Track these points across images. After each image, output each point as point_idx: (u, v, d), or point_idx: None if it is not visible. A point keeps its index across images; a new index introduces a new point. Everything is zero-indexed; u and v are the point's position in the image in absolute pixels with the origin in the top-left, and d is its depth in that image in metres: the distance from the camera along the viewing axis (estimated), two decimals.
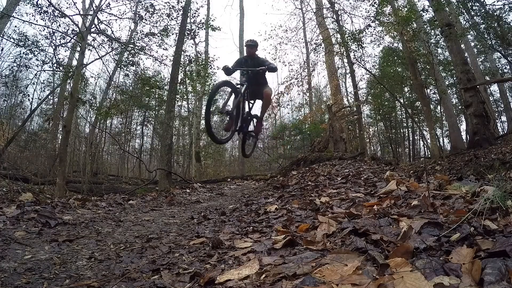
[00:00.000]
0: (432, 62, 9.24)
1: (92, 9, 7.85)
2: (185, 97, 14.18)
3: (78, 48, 7.74)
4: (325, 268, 0.81)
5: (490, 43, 9.78)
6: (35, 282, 0.91)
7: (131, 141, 16.68)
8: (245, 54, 4.25)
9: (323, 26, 12.88)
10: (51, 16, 7.38)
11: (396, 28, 8.80)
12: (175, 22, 8.29)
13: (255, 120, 4.26)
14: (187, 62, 8.96)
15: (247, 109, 3.95)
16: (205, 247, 1.28)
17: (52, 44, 7.85)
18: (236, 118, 3.66)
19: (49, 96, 12.58)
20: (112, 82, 11.59)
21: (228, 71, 3.91)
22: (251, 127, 4.30)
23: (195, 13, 8.83)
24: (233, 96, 3.61)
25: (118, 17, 8.26)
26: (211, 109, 3.34)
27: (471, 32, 10.37)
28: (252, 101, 4.19)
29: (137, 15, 8.60)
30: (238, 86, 3.59)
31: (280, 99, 14.26)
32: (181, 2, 7.82)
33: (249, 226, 1.62)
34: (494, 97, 16.14)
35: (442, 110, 13.70)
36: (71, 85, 7.50)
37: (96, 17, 7.50)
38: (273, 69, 3.91)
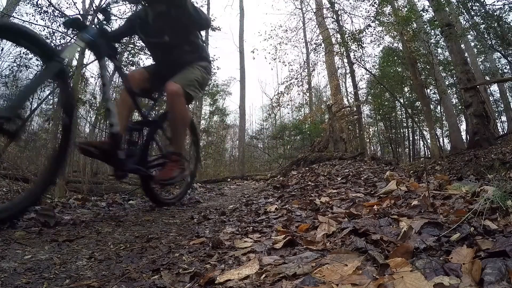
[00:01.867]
0: (432, 62, 9.25)
1: (92, 9, 7.85)
2: None
3: (78, 48, 7.73)
4: (325, 268, 0.82)
5: (490, 43, 9.79)
6: (35, 282, 0.91)
7: None
8: None
9: (323, 26, 12.88)
10: (51, 16, 7.38)
11: (396, 28, 8.81)
12: None
13: (158, 137, 2.28)
14: None
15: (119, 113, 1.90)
16: (205, 247, 1.27)
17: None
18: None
19: (49, 96, 12.58)
20: (112, 82, 11.58)
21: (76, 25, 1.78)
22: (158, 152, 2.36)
23: None
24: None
25: (118, 17, 8.25)
26: None
27: (471, 32, 10.38)
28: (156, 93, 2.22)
29: None
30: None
31: (280, 99, 14.27)
32: None
33: (249, 226, 1.62)
34: (494, 97, 16.15)
35: (442, 110, 13.72)
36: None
37: (96, 17, 7.50)
38: (201, 23, 1.97)
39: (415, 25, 9.17)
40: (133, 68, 9.26)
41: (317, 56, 13.53)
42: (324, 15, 13.16)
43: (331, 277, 0.76)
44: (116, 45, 2.15)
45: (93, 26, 1.91)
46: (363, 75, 14.02)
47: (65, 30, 7.72)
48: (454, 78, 12.96)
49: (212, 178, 8.80)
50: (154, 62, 2.22)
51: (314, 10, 13.50)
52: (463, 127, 13.29)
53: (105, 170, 13.32)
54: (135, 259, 1.15)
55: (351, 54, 10.88)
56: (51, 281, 0.93)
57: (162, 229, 1.73)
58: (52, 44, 1.62)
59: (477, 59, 13.87)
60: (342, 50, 11.31)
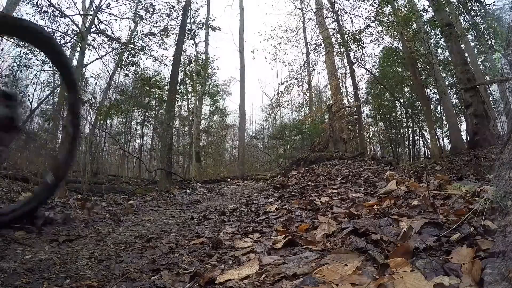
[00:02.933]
0: (432, 62, 9.25)
1: (92, 9, 7.85)
2: (185, 97, 14.19)
3: (78, 48, 7.74)
4: (325, 268, 0.81)
5: (490, 43, 9.79)
6: (35, 282, 0.91)
7: (131, 141, 16.70)
8: None
9: (323, 26, 12.87)
10: (51, 16, 7.39)
11: (396, 28, 8.81)
12: (175, 22, 8.31)
13: None
14: (187, 62, 8.97)
15: None
16: (205, 247, 1.27)
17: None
18: None
19: (49, 96, 12.57)
20: (112, 82, 11.58)
21: None
22: None
23: (195, 13, 8.87)
24: None
25: (118, 17, 8.26)
26: None
27: (471, 32, 10.37)
28: None
29: (137, 15, 8.61)
30: None
31: (280, 99, 14.25)
32: (181, 2, 7.83)
33: (249, 226, 1.62)
34: (494, 97, 16.15)
35: (442, 110, 13.71)
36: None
37: (96, 17, 7.50)
38: None
39: (415, 25, 9.17)
40: (133, 68, 9.24)
41: (317, 56, 13.52)
42: (324, 15, 13.15)
43: (331, 277, 0.76)
44: None
45: None
46: (363, 75, 14.01)
47: (65, 30, 7.73)
48: (454, 78, 12.95)
49: (212, 178, 8.81)
50: None
51: (314, 10, 13.49)
52: (463, 127, 13.27)
53: (105, 170, 13.33)
54: (135, 259, 1.15)
55: (351, 54, 10.87)
56: (51, 281, 0.92)
57: (162, 229, 1.72)
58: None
59: (477, 59, 13.85)
60: (342, 50, 11.31)
